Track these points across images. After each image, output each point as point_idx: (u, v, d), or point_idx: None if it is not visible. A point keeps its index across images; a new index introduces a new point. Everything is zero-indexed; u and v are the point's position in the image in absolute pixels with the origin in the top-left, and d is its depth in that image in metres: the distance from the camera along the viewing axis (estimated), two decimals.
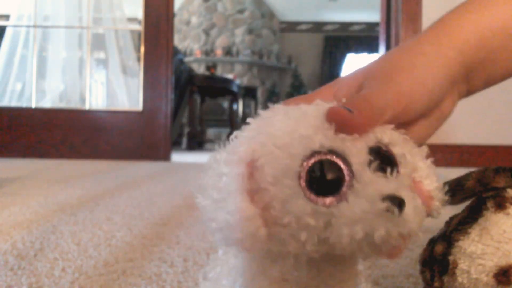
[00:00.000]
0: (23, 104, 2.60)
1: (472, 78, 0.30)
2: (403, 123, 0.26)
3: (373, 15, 6.04)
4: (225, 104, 5.61)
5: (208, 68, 4.61)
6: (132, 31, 2.92)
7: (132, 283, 0.44)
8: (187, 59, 5.52)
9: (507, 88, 2.25)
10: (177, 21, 5.97)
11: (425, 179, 0.25)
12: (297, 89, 6.54)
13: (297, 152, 0.21)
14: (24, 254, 0.53)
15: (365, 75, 0.28)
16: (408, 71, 0.27)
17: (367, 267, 0.50)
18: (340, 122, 0.22)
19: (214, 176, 0.23)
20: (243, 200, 0.21)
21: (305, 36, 6.85)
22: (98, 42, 2.73)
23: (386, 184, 0.21)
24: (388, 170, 0.22)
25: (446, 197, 0.25)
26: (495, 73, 0.30)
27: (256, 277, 0.25)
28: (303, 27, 6.86)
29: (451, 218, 0.33)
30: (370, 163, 0.21)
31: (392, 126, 0.24)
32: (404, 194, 0.21)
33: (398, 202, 0.20)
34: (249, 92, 6.16)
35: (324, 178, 0.21)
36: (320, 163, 0.21)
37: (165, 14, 2.23)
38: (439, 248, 0.32)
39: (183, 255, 0.54)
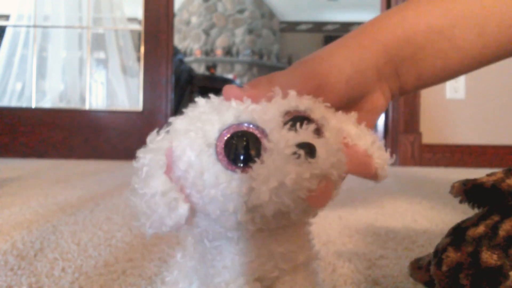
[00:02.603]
0: (23, 104, 2.60)
1: (402, 74, 0.31)
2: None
3: (373, 15, 6.03)
4: None
5: (208, 68, 4.61)
6: (132, 31, 2.92)
7: (132, 283, 0.44)
8: (187, 59, 5.52)
9: (507, 88, 2.25)
10: (177, 21, 5.97)
11: (359, 141, 0.26)
12: None
13: (211, 129, 0.23)
14: (24, 254, 0.53)
15: (293, 64, 0.29)
16: (325, 58, 0.29)
17: (367, 267, 0.50)
18: (230, 95, 0.25)
19: (137, 169, 0.24)
20: (158, 180, 0.23)
21: (305, 36, 6.85)
22: (98, 42, 2.73)
23: (295, 136, 0.22)
24: (298, 125, 0.23)
25: (387, 154, 0.26)
26: (426, 71, 0.31)
27: (209, 273, 0.25)
28: (303, 27, 6.86)
29: (480, 220, 0.30)
30: (283, 126, 0.23)
31: (310, 96, 0.25)
32: (315, 142, 0.22)
33: (306, 148, 0.21)
34: None
35: (239, 148, 0.22)
36: (234, 135, 0.22)
37: (165, 14, 2.23)
38: (489, 257, 0.26)
39: None
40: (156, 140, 0.24)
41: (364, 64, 0.29)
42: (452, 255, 0.28)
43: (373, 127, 0.31)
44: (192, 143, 0.23)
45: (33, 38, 2.55)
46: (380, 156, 0.26)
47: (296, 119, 0.23)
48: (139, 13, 2.25)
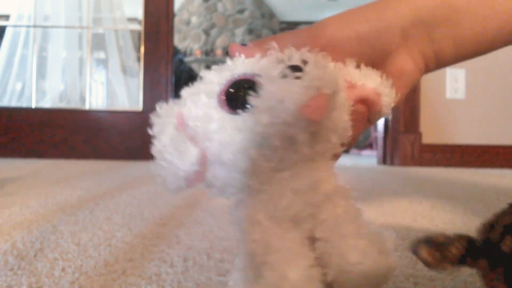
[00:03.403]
0: (23, 104, 2.60)
1: (437, 39, 0.29)
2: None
3: None
4: None
5: (208, 68, 4.61)
6: (132, 31, 2.92)
7: (132, 283, 0.44)
8: (187, 59, 5.52)
9: (507, 88, 2.25)
10: (177, 21, 5.97)
11: (366, 80, 0.27)
12: None
13: (212, 86, 0.25)
14: (24, 254, 0.53)
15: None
16: (336, 19, 0.28)
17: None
18: (234, 52, 0.27)
19: (154, 136, 0.26)
20: (167, 131, 0.25)
21: None
22: (98, 42, 2.73)
23: (283, 66, 0.24)
24: (291, 62, 0.24)
25: (394, 93, 0.27)
26: (463, 35, 0.29)
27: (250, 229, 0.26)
28: (303, 27, 6.86)
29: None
30: (280, 73, 0.24)
31: (309, 48, 0.26)
32: (305, 61, 0.23)
33: (292, 67, 0.23)
34: None
35: (239, 93, 0.24)
36: (232, 84, 0.24)
37: (165, 14, 2.23)
38: None
39: (183, 255, 0.54)
40: (164, 107, 0.26)
41: (384, 23, 0.27)
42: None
43: (404, 95, 0.29)
44: (197, 101, 0.25)
45: (33, 38, 2.56)
46: (388, 94, 0.27)
47: (293, 67, 0.24)
48: (139, 13, 2.25)
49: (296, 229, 0.24)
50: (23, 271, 0.47)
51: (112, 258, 0.52)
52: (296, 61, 0.24)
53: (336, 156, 0.27)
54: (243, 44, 0.27)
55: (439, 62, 0.30)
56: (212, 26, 6.01)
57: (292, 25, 6.79)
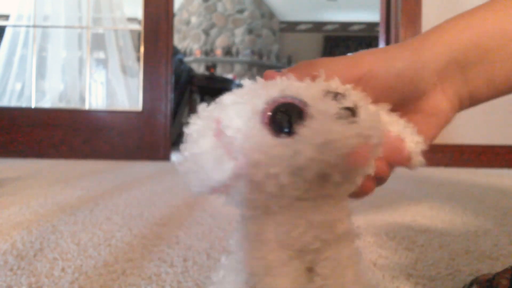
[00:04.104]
0: (23, 104, 2.60)
1: (471, 79, 0.29)
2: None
3: (373, 15, 6.04)
4: None
5: (208, 68, 4.61)
6: (132, 31, 2.92)
7: (132, 283, 0.44)
8: (187, 59, 5.52)
9: None
10: (177, 21, 5.97)
11: (391, 127, 0.26)
12: None
13: (258, 100, 0.24)
14: (24, 254, 0.53)
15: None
16: (375, 52, 0.28)
17: (366, 267, 0.50)
18: (269, 77, 0.26)
19: (187, 138, 0.26)
20: (207, 140, 0.24)
21: (304, 36, 6.85)
22: (98, 42, 2.73)
23: (337, 103, 0.23)
24: (339, 97, 0.24)
25: (420, 138, 0.27)
26: (496, 74, 0.29)
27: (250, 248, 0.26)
28: (303, 27, 6.86)
29: None
30: (325, 99, 0.24)
31: (351, 84, 0.26)
32: (357, 105, 0.23)
33: (349, 109, 0.23)
34: None
35: (284, 118, 0.23)
36: (280, 106, 0.24)
37: (165, 14, 2.23)
38: None
39: (183, 255, 0.54)
40: (207, 109, 0.26)
41: (420, 62, 0.28)
42: None
43: (436, 134, 0.30)
44: (240, 112, 0.24)
45: (33, 38, 2.55)
46: (413, 140, 0.26)
47: (335, 97, 0.24)
48: (139, 13, 2.25)
49: (298, 258, 0.25)
50: (23, 271, 0.47)
51: (112, 258, 0.52)
52: (349, 102, 0.24)
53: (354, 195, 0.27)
54: (279, 70, 0.27)
55: (473, 100, 0.31)
56: (212, 26, 6.01)
57: (292, 25, 6.79)
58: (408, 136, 0.26)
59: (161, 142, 2.22)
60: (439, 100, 0.29)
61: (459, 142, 2.07)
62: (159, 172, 1.62)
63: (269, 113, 0.23)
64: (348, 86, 0.26)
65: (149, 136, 2.22)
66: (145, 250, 0.56)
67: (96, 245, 0.58)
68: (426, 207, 0.92)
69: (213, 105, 0.26)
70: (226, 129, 0.24)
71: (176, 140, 4.37)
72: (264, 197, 0.24)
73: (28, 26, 2.59)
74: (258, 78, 0.27)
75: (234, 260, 0.27)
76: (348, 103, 0.23)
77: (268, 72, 0.27)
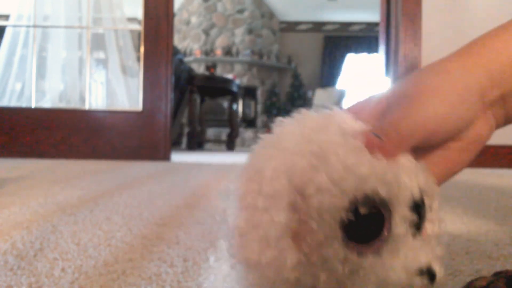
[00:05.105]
0: (23, 104, 2.60)
1: (509, 100, 0.28)
2: (432, 146, 0.26)
3: (373, 15, 6.04)
4: (225, 104, 5.61)
5: (208, 68, 4.61)
6: (132, 31, 2.92)
7: (132, 283, 0.44)
8: (187, 59, 5.52)
9: None
10: (177, 21, 5.97)
11: (429, 224, 0.24)
12: (297, 89, 6.54)
13: (349, 191, 0.20)
14: (24, 254, 0.53)
15: (389, 99, 0.27)
16: (432, 92, 0.26)
17: None
18: (371, 149, 0.22)
19: (247, 210, 0.21)
20: (285, 245, 0.20)
21: (305, 36, 6.85)
22: (98, 42, 2.73)
23: (420, 253, 0.21)
24: (423, 224, 0.22)
25: (436, 191, 0.25)
26: None
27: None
28: (303, 27, 6.86)
29: None
30: (409, 220, 0.21)
31: (425, 167, 0.24)
32: (436, 266, 0.21)
33: (431, 275, 0.21)
34: (249, 92, 6.16)
35: (365, 228, 0.20)
36: (364, 208, 0.20)
37: (165, 14, 2.23)
38: None
39: (183, 255, 0.53)
40: (268, 180, 0.21)
41: (470, 93, 0.26)
42: None
43: (474, 158, 0.29)
44: (324, 197, 0.20)
45: (33, 38, 2.56)
46: (430, 195, 0.24)
47: (420, 211, 0.22)
48: (139, 13, 2.25)
49: None
50: (23, 271, 0.47)
51: (112, 258, 0.52)
52: (432, 248, 0.22)
53: None
54: (379, 137, 0.23)
55: (508, 120, 0.30)
56: (212, 26, 6.01)
57: (292, 25, 6.80)
58: (427, 191, 0.24)
59: (161, 142, 2.22)
60: (481, 126, 0.28)
61: None
62: (159, 172, 1.62)
63: (351, 217, 0.20)
64: (426, 179, 0.23)
65: (149, 136, 2.22)
66: (145, 250, 0.56)
67: (96, 245, 0.58)
68: None
69: (278, 157, 0.21)
70: (302, 204, 0.21)
71: (176, 140, 4.37)
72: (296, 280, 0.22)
73: (28, 26, 2.59)
74: (331, 109, 0.24)
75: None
76: (431, 256, 0.21)
77: (373, 138, 0.23)
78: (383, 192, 0.20)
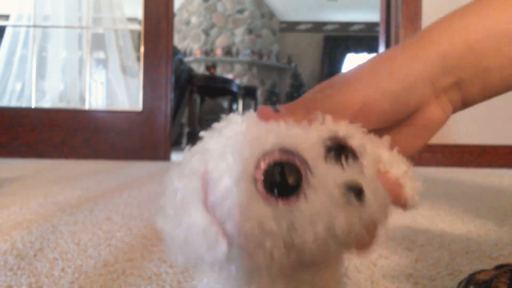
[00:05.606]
0: (23, 104, 2.60)
1: (465, 85, 0.28)
2: (380, 129, 0.27)
3: (373, 15, 6.04)
4: (225, 104, 5.61)
5: (208, 68, 4.61)
6: (132, 31, 2.92)
7: (132, 283, 0.44)
8: (187, 59, 5.52)
9: None
10: (177, 21, 5.97)
11: (390, 168, 0.24)
12: (297, 89, 6.54)
13: (249, 155, 0.21)
14: (24, 254, 0.53)
15: (326, 84, 0.27)
16: (365, 77, 0.27)
17: (367, 267, 0.50)
18: (266, 117, 0.23)
19: (170, 194, 0.22)
20: (197, 212, 0.21)
21: (304, 36, 6.85)
22: (98, 42, 2.73)
23: (342, 173, 0.21)
24: (343, 158, 0.21)
25: (419, 184, 0.25)
26: (492, 79, 0.28)
27: None
28: (303, 27, 6.86)
29: None
30: (325, 155, 0.21)
31: (347, 121, 0.24)
32: (363, 181, 0.20)
33: (356, 190, 0.20)
34: (249, 92, 6.16)
35: (281, 180, 0.20)
36: (275, 164, 0.21)
37: (165, 14, 2.23)
38: None
39: None
40: (191, 161, 0.23)
41: (413, 78, 0.27)
42: None
43: (429, 140, 0.29)
44: (229, 169, 0.21)
45: (33, 38, 2.55)
46: (412, 187, 0.24)
47: (337, 148, 0.22)
48: (139, 13, 2.26)
49: None
50: (23, 271, 0.47)
51: (112, 258, 0.52)
52: (353, 170, 0.21)
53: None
54: (275, 109, 0.24)
55: (466, 104, 0.30)
56: (212, 26, 6.01)
57: (292, 25, 6.80)
58: (408, 182, 0.25)
59: (161, 142, 2.22)
60: (432, 111, 0.28)
61: (459, 142, 2.07)
62: (159, 172, 1.62)
63: (263, 172, 0.20)
64: (345, 127, 0.23)
65: (149, 136, 2.22)
66: (145, 250, 0.56)
67: (96, 245, 0.58)
68: (426, 207, 0.92)
69: (197, 154, 0.23)
70: (214, 187, 0.21)
71: (176, 140, 4.37)
72: (252, 266, 0.22)
73: (28, 26, 2.59)
74: (251, 115, 0.24)
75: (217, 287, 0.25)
76: (352, 173, 0.21)
77: (263, 109, 0.24)
78: (283, 143, 0.21)
